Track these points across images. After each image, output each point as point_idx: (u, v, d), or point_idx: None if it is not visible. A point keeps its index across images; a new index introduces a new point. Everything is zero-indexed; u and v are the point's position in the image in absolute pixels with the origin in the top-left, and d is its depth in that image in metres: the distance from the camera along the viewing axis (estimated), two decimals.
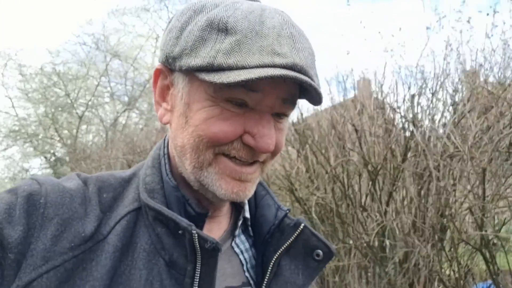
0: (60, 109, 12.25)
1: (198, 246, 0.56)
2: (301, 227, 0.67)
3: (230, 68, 0.54)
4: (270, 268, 0.65)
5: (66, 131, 12.54)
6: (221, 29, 0.56)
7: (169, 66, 0.63)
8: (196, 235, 0.55)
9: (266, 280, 0.65)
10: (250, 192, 0.63)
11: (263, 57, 0.54)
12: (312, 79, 0.56)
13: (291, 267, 0.67)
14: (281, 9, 0.63)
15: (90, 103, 12.54)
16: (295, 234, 0.67)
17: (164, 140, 0.70)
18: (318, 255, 0.68)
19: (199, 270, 0.57)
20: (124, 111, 12.93)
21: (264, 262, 0.67)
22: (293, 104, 0.62)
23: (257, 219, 0.71)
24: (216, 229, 0.68)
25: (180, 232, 0.57)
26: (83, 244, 0.55)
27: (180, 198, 0.62)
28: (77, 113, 12.43)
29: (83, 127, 12.80)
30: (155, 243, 0.59)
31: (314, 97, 0.59)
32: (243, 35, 0.55)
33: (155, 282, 0.56)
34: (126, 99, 13.24)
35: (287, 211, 0.70)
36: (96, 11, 27.12)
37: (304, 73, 0.56)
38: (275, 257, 0.66)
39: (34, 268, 0.52)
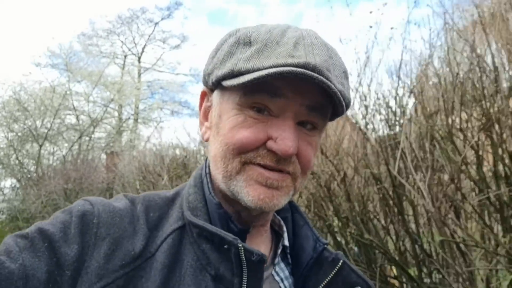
0: (23, 138, 13.32)
1: (244, 258, 0.57)
2: (340, 263, 0.67)
3: (248, 72, 0.57)
4: None
5: (26, 160, 13.50)
6: (246, 42, 0.60)
7: (205, 85, 0.69)
8: (242, 248, 0.57)
9: None
10: (279, 201, 0.62)
11: (277, 60, 0.56)
12: (328, 80, 0.56)
13: None
14: (313, 29, 0.63)
15: (50, 132, 13.66)
16: (335, 270, 0.67)
17: (206, 160, 0.72)
18: None
19: (245, 283, 0.58)
20: (80, 137, 14.18)
21: None
22: (321, 114, 0.62)
23: (296, 249, 0.72)
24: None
25: (225, 246, 0.58)
26: (133, 262, 0.58)
27: (223, 215, 0.63)
28: (38, 142, 13.55)
29: (46, 151, 13.81)
30: (201, 259, 0.60)
31: (336, 103, 0.58)
32: (263, 44, 0.58)
33: None
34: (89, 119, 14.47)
35: (326, 245, 0.70)
36: (61, 35, 28.36)
37: (318, 72, 0.55)
38: None
39: (89, 285, 0.54)
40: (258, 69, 0.56)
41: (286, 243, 0.71)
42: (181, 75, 19.68)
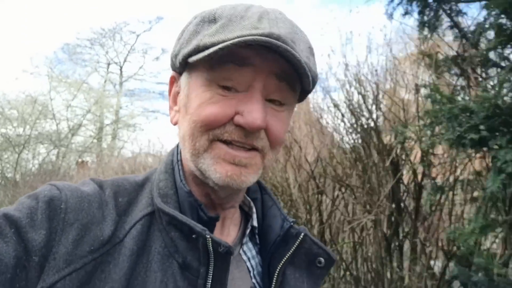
0: (3, 146, 13.84)
1: (211, 249, 0.58)
2: (301, 236, 0.69)
3: (213, 45, 0.57)
4: (275, 277, 0.67)
5: (7, 165, 13.94)
6: (211, 20, 0.61)
7: (173, 69, 0.68)
8: (210, 239, 0.57)
9: None
10: (247, 179, 0.62)
11: (242, 32, 0.57)
12: (294, 50, 0.56)
13: (296, 275, 0.69)
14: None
15: (29, 139, 14.10)
16: (296, 243, 0.68)
17: (177, 146, 0.71)
18: (320, 262, 0.70)
19: (211, 273, 0.58)
20: (56, 146, 14.65)
21: (270, 271, 0.69)
22: (289, 84, 0.62)
23: (264, 229, 0.73)
24: (225, 235, 0.70)
25: (194, 236, 0.58)
26: (102, 247, 0.57)
27: (193, 203, 0.63)
28: (15, 150, 14.03)
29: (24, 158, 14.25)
30: (168, 246, 0.60)
31: (301, 73, 0.58)
32: (228, 19, 0.59)
33: (170, 283, 0.58)
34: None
35: (293, 222, 0.71)
36: (46, 45, 28.77)
37: (283, 41, 0.56)
38: (279, 266, 0.68)
39: (57, 270, 0.53)
40: (223, 41, 0.56)
41: (255, 223, 0.73)
42: (162, 84, 20.33)
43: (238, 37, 0.56)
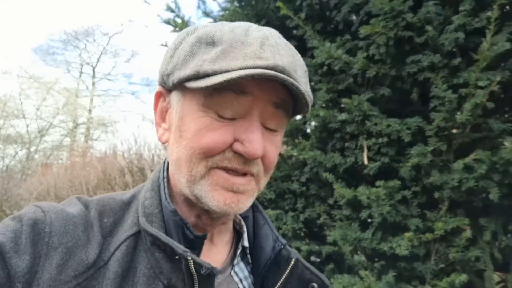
0: None
1: (194, 271, 0.57)
2: (292, 262, 0.68)
3: (215, 74, 0.56)
4: None
5: None
6: (209, 42, 0.58)
7: (164, 86, 0.66)
8: (192, 261, 0.56)
9: None
10: (244, 205, 0.62)
11: (246, 61, 0.56)
12: (297, 82, 0.57)
13: None
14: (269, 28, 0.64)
15: None
16: (288, 269, 0.68)
17: (164, 163, 0.70)
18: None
19: None
20: (22, 148, 14.89)
21: None
22: (285, 111, 0.62)
23: (255, 249, 0.72)
24: (215, 253, 0.69)
25: (176, 257, 0.57)
26: (86, 271, 0.56)
27: (178, 222, 0.62)
28: None
29: None
30: (154, 267, 0.59)
31: (301, 102, 0.59)
32: (229, 45, 0.57)
33: None
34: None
35: (284, 244, 0.70)
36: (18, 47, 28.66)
37: (287, 74, 0.56)
38: None
39: None
40: (226, 71, 0.55)
41: (246, 243, 0.72)
42: (134, 84, 20.72)
43: (242, 67, 0.55)
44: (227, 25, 0.61)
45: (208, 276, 0.57)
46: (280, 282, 0.67)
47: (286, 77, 0.55)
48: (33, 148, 14.76)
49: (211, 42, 0.58)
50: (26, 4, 26.07)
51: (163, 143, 0.67)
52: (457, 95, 1.85)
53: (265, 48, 0.57)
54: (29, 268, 0.53)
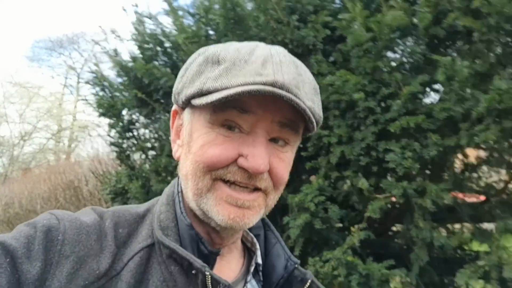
0: None
1: (210, 286, 0.57)
2: (308, 283, 0.68)
3: (216, 90, 0.57)
4: None
5: None
6: (214, 61, 0.60)
7: (176, 104, 0.68)
8: (210, 276, 0.57)
9: None
10: (250, 221, 0.62)
11: (246, 78, 0.56)
12: (297, 97, 0.56)
13: None
14: (283, 49, 0.63)
15: None
16: None
17: (178, 178, 0.71)
18: None
19: None
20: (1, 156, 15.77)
21: None
22: (292, 130, 0.62)
23: (267, 267, 0.72)
24: (227, 269, 0.69)
25: (193, 272, 0.58)
26: (97, 281, 0.56)
27: (194, 237, 0.63)
28: None
29: None
30: (167, 280, 0.60)
31: (308, 122, 0.59)
32: (232, 63, 0.58)
33: None
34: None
35: (297, 264, 0.71)
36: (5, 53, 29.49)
37: (287, 90, 0.56)
38: None
39: None
40: (227, 88, 0.56)
41: (259, 260, 0.73)
42: None
43: (241, 84, 0.56)
44: (234, 45, 0.63)
45: None
46: None
47: (284, 92, 0.55)
48: (16, 152, 15.61)
49: (216, 61, 0.60)
50: (11, 11, 26.94)
51: (177, 159, 0.68)
52: None
53: (267, 66, 0.58)
54: (39, 274, 0.54)
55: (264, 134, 0.60)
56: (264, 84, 0.55)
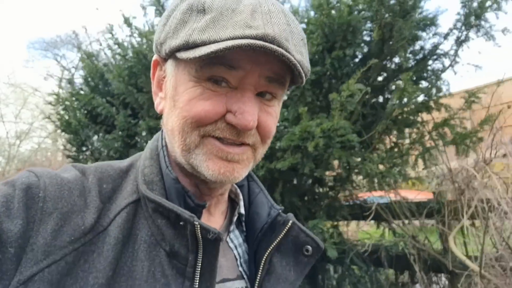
0: None
1: (200, 236, 0.57)
2: (289, 224, 0.69)
3: (204, 44, 0.55)
4: (262, 264, 0.67)
5: None
6: (200, 10, 0.57)
7: (158, 54, 0.66)
8: (199, 226, 0.56)
9: (259, 276, 0.67)
10: (240, 174, 0.62)
11: (235, 31, 0.54)
12: (287, 51, 0.55)
13: (283, 263, 0.69)
14: None
15: None
16: (284, 231, 0.68)
17: (162, 132, 0.70)
18: (307, 250, 0.70)
19: (200, 260, 0.58)
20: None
21: (256, 258, 0.69)
22: (280, 84, 0.61)
23: (251, 216, 0.73)
24: (211, 222, 0.70)
25: (181, 223, 0.57)
26: (83, 237, 0.56)
27: (180, 190, 0.63)
28: None
29: None
30: (155, 234, 0.59)
31: (297, 75, 0.58)
32: (218, 13, 0.56)
33: (157, 272, 0.57)
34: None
35: (280, 210, 0.71)
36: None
37: (277, 44, 0.54)
38: (266, 254, 0.68)
39: (35, 262, 0.52)
40: (215, 41, 0.54)
41: (242, 211, 0.73)
42: None
43: (230, 38, 0.54)
44: None
45: (215, 240, 0.58)
46: (275, 243, 0.68)
47: (275, 47, 0.54)
48: (13, 151, 15.85)
49: (202, 10, 0.57)
50: (6, 12, 27.47)
51: (160, 112, 0.67)
52: None
53: (256, 16, 0.56)
54: (21, 232, 0.52)
55: (251, 89, 0.60)
56: (255, 38, 0.54)
